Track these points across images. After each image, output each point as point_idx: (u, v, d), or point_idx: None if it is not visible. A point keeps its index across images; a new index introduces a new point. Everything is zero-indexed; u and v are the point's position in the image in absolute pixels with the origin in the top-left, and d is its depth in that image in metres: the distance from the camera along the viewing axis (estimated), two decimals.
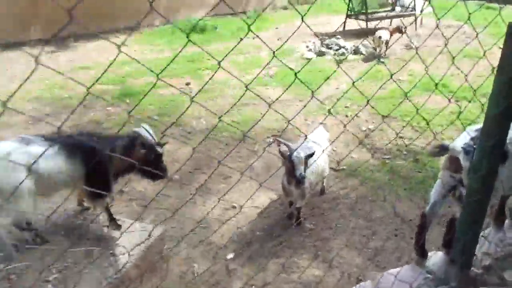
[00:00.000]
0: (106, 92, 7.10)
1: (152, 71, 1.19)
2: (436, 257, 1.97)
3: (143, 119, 6.18)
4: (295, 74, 1.35)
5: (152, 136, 3.09)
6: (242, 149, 5.43)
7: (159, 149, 3.11)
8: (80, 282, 2.77)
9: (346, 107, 6.63)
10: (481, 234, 1.90)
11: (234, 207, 4.25)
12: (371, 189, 4.54)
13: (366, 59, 9.04)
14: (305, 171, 3.42)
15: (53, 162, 2.72)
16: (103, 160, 2.93)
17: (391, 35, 9.04)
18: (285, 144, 3.58)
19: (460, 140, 2.10)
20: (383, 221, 4.04)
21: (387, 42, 8.92)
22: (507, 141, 1.92)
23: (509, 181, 1.90)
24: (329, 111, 6.19)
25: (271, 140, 5.64)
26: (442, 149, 1.88)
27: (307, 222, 4.03)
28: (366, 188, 4.57)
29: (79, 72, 8.00)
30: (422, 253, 2.01)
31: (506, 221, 2.03)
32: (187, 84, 7.50)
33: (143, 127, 3.09)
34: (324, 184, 4.44)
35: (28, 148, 2.65)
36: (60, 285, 2.74)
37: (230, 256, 3.59)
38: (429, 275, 1.88)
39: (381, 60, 8.54)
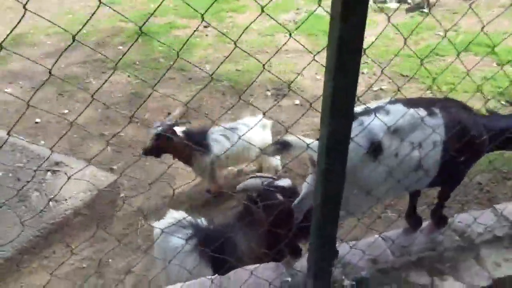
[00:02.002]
0: (124, 29, 7.04)
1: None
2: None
3: (149, 61, 6.11)
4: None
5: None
6: (236, 99, 5.19)
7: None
8: (10, 227, 2.88)
9: (365, 62, 6.02)
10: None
11: None
12: None
13: (411, 9, 8.04)
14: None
15: None
16: None
17: None
18: None
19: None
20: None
21: None
22: (381, 132, 1.54)
23: (387, 182, 1.55)
24: None
25: (269, 94, 5.33)
26: (283, 146, 1.55)
27: None
28: None
29: (105, 7, 7.96)
30: (294, 252, 1.78)
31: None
32: (205, 27, 7.20)
33: None
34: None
35: None
36: None
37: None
38: (288, 279, 1.66)
39: (424, 10, 7.54)
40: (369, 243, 1.76)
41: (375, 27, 6.93)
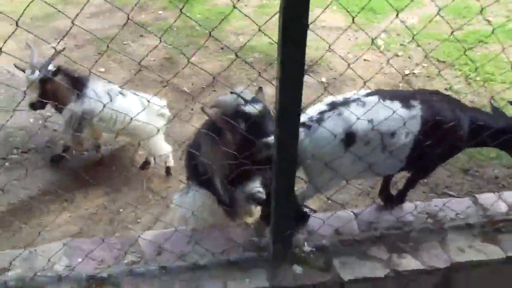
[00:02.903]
0: None
1: None
2: None
3: (186, 27, 6.26)
4: None
5: None
6: (264, 73, 5.24)
7: None
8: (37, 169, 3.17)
9: (401, 44, 5.83)
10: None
11: None
12: None
13: None
14: None
15: None
16: None
17: None
18: None
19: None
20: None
21: None
22: (355, 123, 1.60)
23: (358, 167, 1.64)
24: (372, 41, 5.51)
25: None
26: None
27: None
28: None
29: None
30: (266, 217, 1.89)
31: None
32: None
33: None
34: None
35: None
36: (17, 165, 3.18)
37: None
38: (254, 239, 1.79)
39: None
40: (339, 215, 1.84)
41: (420, 7, 6.64)
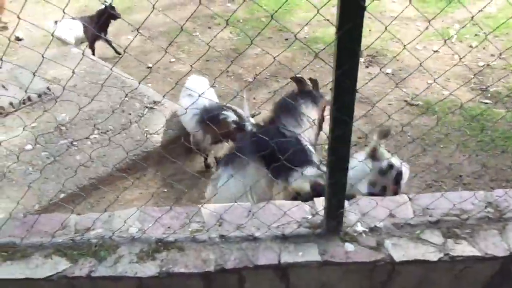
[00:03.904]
0: None
1: None
2: None
3: (252, 19, 6.41)
4: None
5: None
6: (328, 64, 5.24)
7: None
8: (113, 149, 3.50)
9: (476, 35, 5.51)
10: None
11: None
12: (434, 133, 4.01)
13: None
14: None
15: None
16: None
17: None
18: None
19: None
20: (427, 169, 3.65)
21: None
22: None
23: None
24: (442, 35, 5.27)
25: (362, 60, 5.25)
26: None
27: None
28: (432, 130, 4.05)
29: None
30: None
31: None
32: None
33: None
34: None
35: None
36: (97, 144, 3.53)
37: None
38: (308, 216, 1.87)
39: None
40: (393, 199, 1.86)
41: None
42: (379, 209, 1.81)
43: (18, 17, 1.11)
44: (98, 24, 5.01)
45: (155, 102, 3.93)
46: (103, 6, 5.05)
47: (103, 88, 3.92)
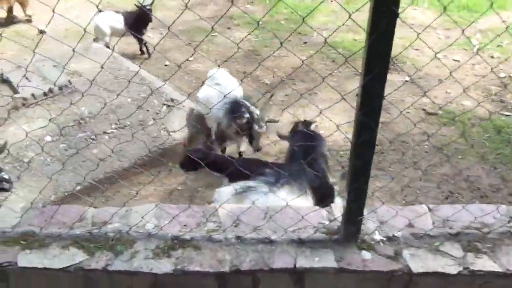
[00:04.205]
0: None
1: None
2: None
3: (272, 21, 6.42)
4: None
5: None
6: (346, 69, 5.22)
7: None
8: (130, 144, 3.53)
9: (499, 45, 5.43)
10: None
11: None
12: (454, 143, 3.96)
13: None
14: None
15: None
16: None
17: None
18: None
19: None
20: (444, 180, 3.60)
21: None
22: None
23: None
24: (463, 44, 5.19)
25: None
26: None
27: None
28: (450, 140, 3.99)
29: None
30: None
31: None
32: None
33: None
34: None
35: None
36: (115, 139, 3.56)
37: None
38: (325, 222, 1.86)
39: None
40: (413, 209, 1.84)
41: None
42: (398, 218, 1.79)
43: (53, 11, 1.12)
44: (138, 23, 5.08)
45: (173, 100, 3.95)
46: (143, 6, 5.08)
47: (122, 83, 3.97)
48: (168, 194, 3.54)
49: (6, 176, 2.56)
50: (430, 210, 1.84)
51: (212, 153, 3.26)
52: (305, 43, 5.86)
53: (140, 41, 5.50)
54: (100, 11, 5.14)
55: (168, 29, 1.40)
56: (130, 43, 5.78)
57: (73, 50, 1.32)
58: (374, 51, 1.23)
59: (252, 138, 3.46)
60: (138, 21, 5.13)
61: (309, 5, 6.76)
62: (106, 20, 5.21)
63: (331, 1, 6.82)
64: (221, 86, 3.40)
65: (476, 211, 1.79)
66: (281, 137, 3.22)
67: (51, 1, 1.50)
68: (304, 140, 2.84)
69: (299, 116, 4.41)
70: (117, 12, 5.32)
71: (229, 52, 5.69)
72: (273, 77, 5.20)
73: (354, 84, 5.00)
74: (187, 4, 1.35)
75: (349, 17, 1.31)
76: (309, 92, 4.87)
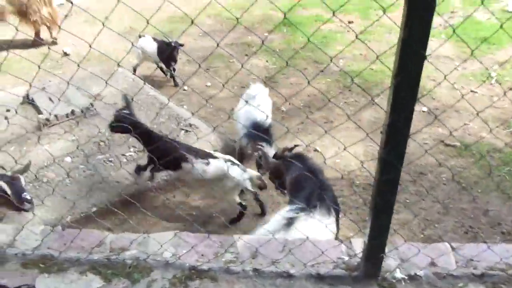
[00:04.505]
0: (273, 17, 7.54)
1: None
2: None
3: (289, 49, 6.51)
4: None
5: None
6: (362, 98, 5.24)
7: None
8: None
9: None
10: None
11: (315, 150, 4.37)
12: (473, 176, 3.90)
13: None
14: None
15: None
16: None
17: None
18: None
19: None
20: (462, 213, 3.54)
21: None
22: None
23: None
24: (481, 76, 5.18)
25: None
26: None
27: None
28: (469, 173, 3.94)
29: None
30: None
31: None
32: (350, 22, 7.28)
33: None
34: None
35: None
36: (133, 162, 3.60)
37: None
38: (345, 258, 1.83)
39: None
40: (436, 247, 1.80)
41: None
42: (420, 256, 1.75)
43: (90, 46, 1.16)
44: (168, 54, 5.24)
45: (190, 125, 3.99)
46: (177, 44, 5.22)
47: (142, 108, 4.04)
48: (183, 219, 3.53)
49: (28, 197, 2.59)
50: (453, 249, 1.80)
51: (143, 125, 3.30)
52: (321, 71, 5.90)
53: (168, 72, 5.64)
54: (140, 36, 5.28)
55: (194, 60, 1.43)
56: (150, 67, 5.90)
57: (102, 78, 1.35)
58: (399, 91, 1.24)
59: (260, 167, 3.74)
60: (169, 55, 5.25)
61: (326, 34, 6.86)
62: (150, 45, 5.32)
63: (348, 31, 6.92)
64: (254, 102, 3.64)
65: (502, 252, 1.75)
66: (278, 158, 3.38)
67: (79, 27, 1.54)
68: (304, 167, 2.93)
69: (315, 144, 4.43)
70: (154, 39, 5.43)
71: (247, 78, 5.77)
72: (289, 104, 5.23)
73: (369, 113, 5.02)
74: (218, 44, 1.38)
75: (377, 56, 1.31)
76: (324, 121, 4.90)
